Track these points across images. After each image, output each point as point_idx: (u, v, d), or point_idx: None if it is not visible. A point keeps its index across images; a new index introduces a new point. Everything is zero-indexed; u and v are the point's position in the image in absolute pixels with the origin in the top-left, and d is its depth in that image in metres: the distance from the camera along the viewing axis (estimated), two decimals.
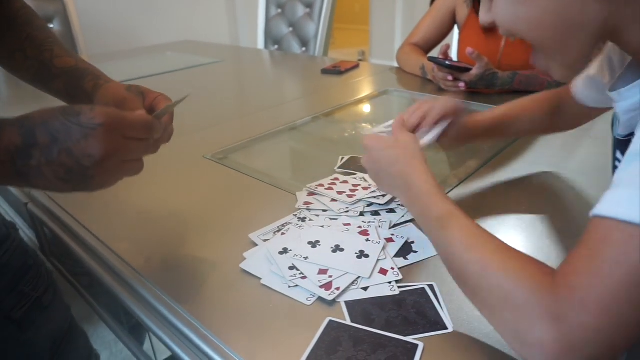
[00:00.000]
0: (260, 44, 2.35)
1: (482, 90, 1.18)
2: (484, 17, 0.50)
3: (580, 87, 0.70)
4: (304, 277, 0.52)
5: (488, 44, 1.24)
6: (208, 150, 0.91)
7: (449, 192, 0.72)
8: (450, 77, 1.15)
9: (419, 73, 1.37)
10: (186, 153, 0.91)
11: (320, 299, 0.49)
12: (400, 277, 0.52)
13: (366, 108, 1.23)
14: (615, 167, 0.57)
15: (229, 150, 0.92)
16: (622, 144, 0.56)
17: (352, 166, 0.81)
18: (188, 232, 0.65)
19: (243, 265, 0.55)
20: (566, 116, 0.74)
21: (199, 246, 0.61)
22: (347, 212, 0.65)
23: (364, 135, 0.65)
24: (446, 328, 0.45)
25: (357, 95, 1.29)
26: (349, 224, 0.62)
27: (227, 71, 1.79)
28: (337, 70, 1.51)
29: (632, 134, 0.49)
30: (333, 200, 0.68)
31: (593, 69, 0.63)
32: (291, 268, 0.53)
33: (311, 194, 0.71)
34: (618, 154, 0.56)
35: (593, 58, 0.51)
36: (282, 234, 0.60)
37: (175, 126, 0.56)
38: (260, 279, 0.53)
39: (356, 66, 1.57)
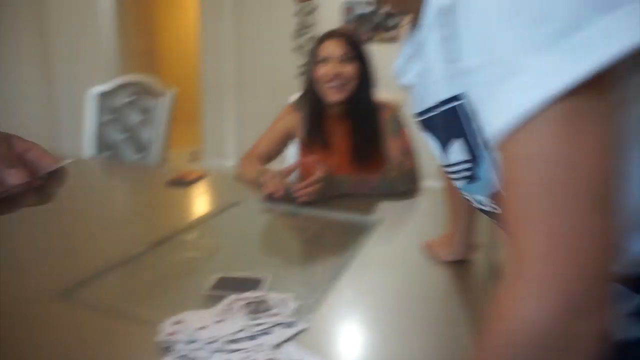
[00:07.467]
0: (88, 150, 2.22)
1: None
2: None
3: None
4: None
5: (325, 157, 1.45)
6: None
7: None
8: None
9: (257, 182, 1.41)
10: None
11: None
12: None
13: (218, 222, 1.26)
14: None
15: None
16: (425, 124, 0.59)
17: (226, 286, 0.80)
18: None
19: None
20: None
21: None
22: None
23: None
24: None
25: (205, 208, 1.32)
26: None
27: None
28: (182, 182, 1.51)
29: (430, 109, 0.55)
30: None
31: None
32: None
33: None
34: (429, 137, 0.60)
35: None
36: None
37: None
38: None
39: (202, 177, 1.59)
